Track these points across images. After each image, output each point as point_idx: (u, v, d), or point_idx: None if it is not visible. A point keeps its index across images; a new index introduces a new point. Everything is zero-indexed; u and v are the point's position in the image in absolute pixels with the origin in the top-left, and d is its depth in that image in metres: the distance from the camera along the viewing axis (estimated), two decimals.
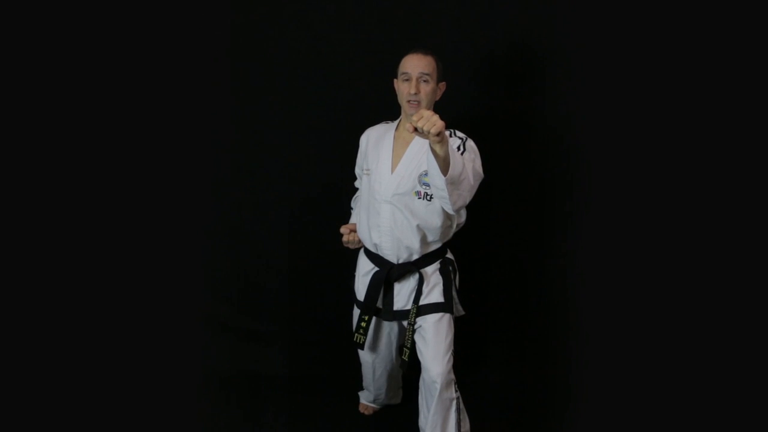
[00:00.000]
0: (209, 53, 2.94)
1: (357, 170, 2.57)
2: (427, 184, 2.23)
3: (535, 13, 2.84)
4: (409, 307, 2.37)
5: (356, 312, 2.57)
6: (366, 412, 2.81)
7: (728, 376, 2.13)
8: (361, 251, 2.52)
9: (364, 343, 2.49)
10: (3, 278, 2.14)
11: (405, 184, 2.28)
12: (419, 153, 2.27)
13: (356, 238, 2.47)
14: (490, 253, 3.07)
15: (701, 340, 2.19)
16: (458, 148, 2.21)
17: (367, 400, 2.82)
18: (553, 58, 2.88)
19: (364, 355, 2.64)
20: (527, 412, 2.86)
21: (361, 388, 2.84)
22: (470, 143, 2.27)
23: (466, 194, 2.11)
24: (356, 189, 2.68)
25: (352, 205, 2.65)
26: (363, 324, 2.44)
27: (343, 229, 2.48)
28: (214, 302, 3.14)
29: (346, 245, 2.50)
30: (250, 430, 2.72)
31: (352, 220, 2.60)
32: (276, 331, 3.15)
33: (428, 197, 2.26)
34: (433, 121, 1.86)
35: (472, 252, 2.77)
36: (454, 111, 2.66)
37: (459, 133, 2.31)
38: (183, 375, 2.73)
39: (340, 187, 2.76)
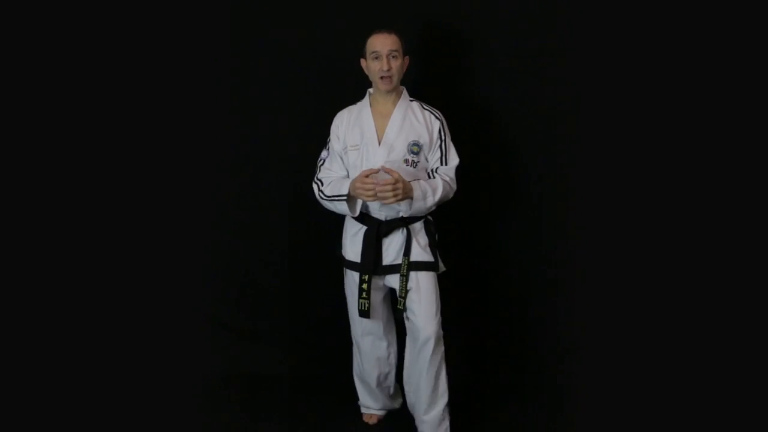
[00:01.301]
0: (209, 53, 2.94)
1: (337, 148, 2.57)
2: (414, 153, 2.49)
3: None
4: (398, 261, 2.51)
5: (348, 276, 2.62)
6: (371, 422, 2.79)
7: (727, 375, 2.13)
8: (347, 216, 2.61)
9: (369, 309, 2.54)
10: (6, 278, 2.14)
11: (395, 153, 2.47)
12: (403, 122, 2.50)
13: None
14: (490, 253, 3.07)
15: (701, 338, 2.19)
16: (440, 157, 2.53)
17: (367, 403, 2.80)
18: (553, 55, 2.88)
19: (363, 337, 2.66)
20: (527, 412, 2.86)
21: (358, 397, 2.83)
22: (448, 137, 2.56)
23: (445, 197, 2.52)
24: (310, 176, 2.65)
25: (321, 178, 2.59)
26: (364, 286, 2.52)
27: (368, 182, 2.38)
28: (214, 302, 3.14)
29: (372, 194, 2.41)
30: (250, 430, 2.72)
31: (329, 191, 2.54)
32: (276, 331, 3.15)
33: (414, 164, 2.49)
34: (395, 192, 2.34)
35: (472, 251, 2.78)
36: (453, 107, 2.68)
37: (436, 116, 2.54)
38: (183, 375, 2.73)
39: None
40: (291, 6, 2.94)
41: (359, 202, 2.50)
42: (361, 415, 2.81)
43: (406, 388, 2.62)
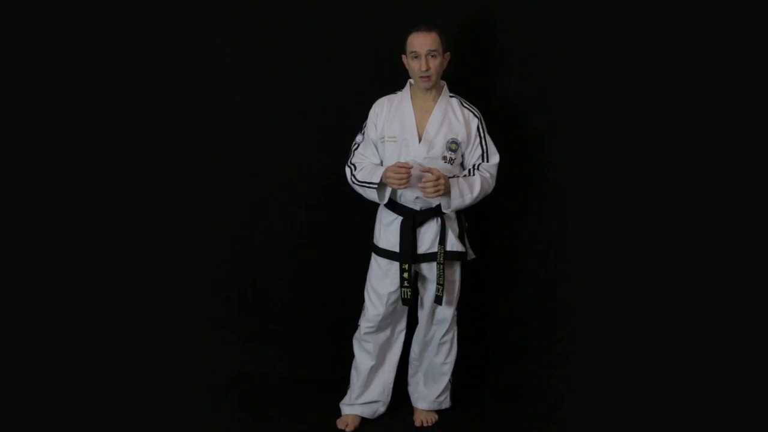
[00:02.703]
0: (209, 53, 2.94)
1: (372, 136, 2.60)
2: (452, 150, 2.53)
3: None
4: (433, 250, 2.58)
5: (375, 264, 2.65)
6: (347, 429, 2.70)
7: (727, 375, 2.13)
8: (381, 204, 2.63)
9: (411, 297, 2.58)
10: (4, 279, 2.13)
11: (434, 150, 2.52)
12: (443, 119, 2.55)
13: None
14: (490, 252, 3.07)
15: (701, 338, 2.20)
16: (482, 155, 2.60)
17: (352, 398, 2.74)
18: (558, 54, 2.88)
19: (382, 321, 2.66)
20: (527, 412, 2.86)
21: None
22: (487, 134, 2.62)
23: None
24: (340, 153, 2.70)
25: (355, 162, 2.63)
26: (405, 275, 2.56)
27: (402, 169, 2.44)
28: (214, 302, 3.14)
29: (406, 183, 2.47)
30: (250, 430, 2.72)
31: (361, 176, 2.58)
32: (276, 331, 3.15)
33: (451, 161, 2.54)
34: (437, 187, 2.40)
35: (472, 251, 2.77)
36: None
37: (475, 114, 2.60)
38: (183, 375, 2.74)
39: (341, 187, 2.76)
40: (294, 7, 2.93)
41: (388, 191, 2.54)
42: None
43: (416, 361, 2.80)
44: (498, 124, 2.78)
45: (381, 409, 2.78)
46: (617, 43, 2.65)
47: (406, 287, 2.57)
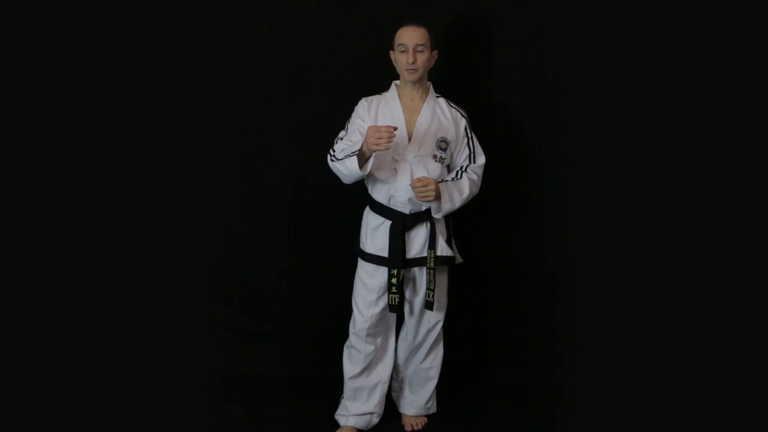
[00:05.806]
0: (209, 53, 2.93)
1: (361, 125, 2.51)
2: (442, 149, 2.51)
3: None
4: (423, 254, 2.55)
5: (362, 269, 2.61)
6: None
7: (727, 375, 2.13)
8: (367, 208, 2.63)
9: (399, 303, 2.54)
10: (3, 280, 2.13)
11: (424, 149, 2.49)
12: (432, 118, 2.53)
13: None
14: (490, 252, 3.07)
15: (701, 338, 2.20)
16: (468, 156, 2.59)
17: (350, 408, 2.72)
18: (556, 54, 2.89)
19: (373, 328, 2.63)
20: (527, 412, 2.86)
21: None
22: (474, 135, 2.61)
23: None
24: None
25: (336, 149, 2.54)
26: (394, 281, 2.51)
27: (383, 128, 2.30)
28: (214, 302, 3.14)
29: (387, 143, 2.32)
30: (250, 430, 2.72)
31: (341, 154, 2.47)
32: (276, 331, 3.15)
33: (441, 160, 2.52)
34: (425, 194, 2.39)
35: (471, 250, 2.77)
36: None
37: (462, 114, 2.59)
38: (183, 375, 2.73)
39: (340, 187, 2.75)
40: (294, 7, 2.94)
41: (371, 161, 2.41)
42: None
43: (402, 366, 2.78)
44: (491, 125, 2.79)
45: (375, 420, 2.76)
46: (612, 43, 2.64)
47: (394, 293, 2.52)
